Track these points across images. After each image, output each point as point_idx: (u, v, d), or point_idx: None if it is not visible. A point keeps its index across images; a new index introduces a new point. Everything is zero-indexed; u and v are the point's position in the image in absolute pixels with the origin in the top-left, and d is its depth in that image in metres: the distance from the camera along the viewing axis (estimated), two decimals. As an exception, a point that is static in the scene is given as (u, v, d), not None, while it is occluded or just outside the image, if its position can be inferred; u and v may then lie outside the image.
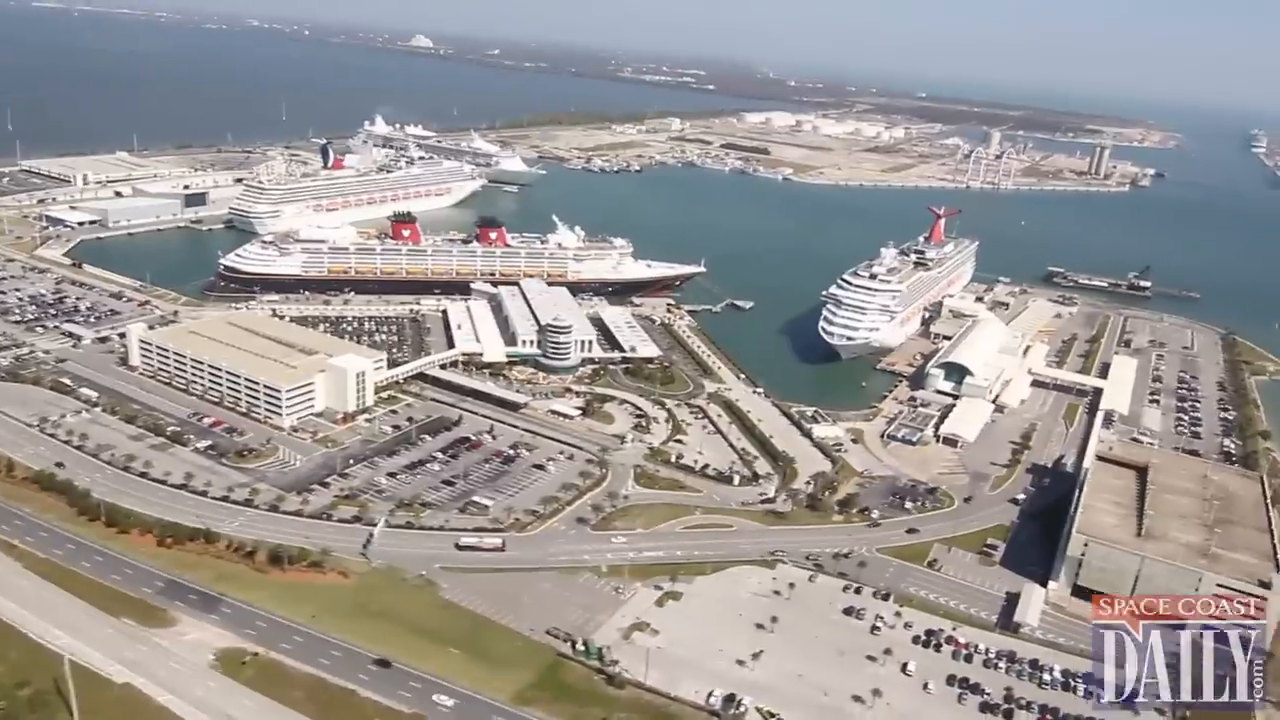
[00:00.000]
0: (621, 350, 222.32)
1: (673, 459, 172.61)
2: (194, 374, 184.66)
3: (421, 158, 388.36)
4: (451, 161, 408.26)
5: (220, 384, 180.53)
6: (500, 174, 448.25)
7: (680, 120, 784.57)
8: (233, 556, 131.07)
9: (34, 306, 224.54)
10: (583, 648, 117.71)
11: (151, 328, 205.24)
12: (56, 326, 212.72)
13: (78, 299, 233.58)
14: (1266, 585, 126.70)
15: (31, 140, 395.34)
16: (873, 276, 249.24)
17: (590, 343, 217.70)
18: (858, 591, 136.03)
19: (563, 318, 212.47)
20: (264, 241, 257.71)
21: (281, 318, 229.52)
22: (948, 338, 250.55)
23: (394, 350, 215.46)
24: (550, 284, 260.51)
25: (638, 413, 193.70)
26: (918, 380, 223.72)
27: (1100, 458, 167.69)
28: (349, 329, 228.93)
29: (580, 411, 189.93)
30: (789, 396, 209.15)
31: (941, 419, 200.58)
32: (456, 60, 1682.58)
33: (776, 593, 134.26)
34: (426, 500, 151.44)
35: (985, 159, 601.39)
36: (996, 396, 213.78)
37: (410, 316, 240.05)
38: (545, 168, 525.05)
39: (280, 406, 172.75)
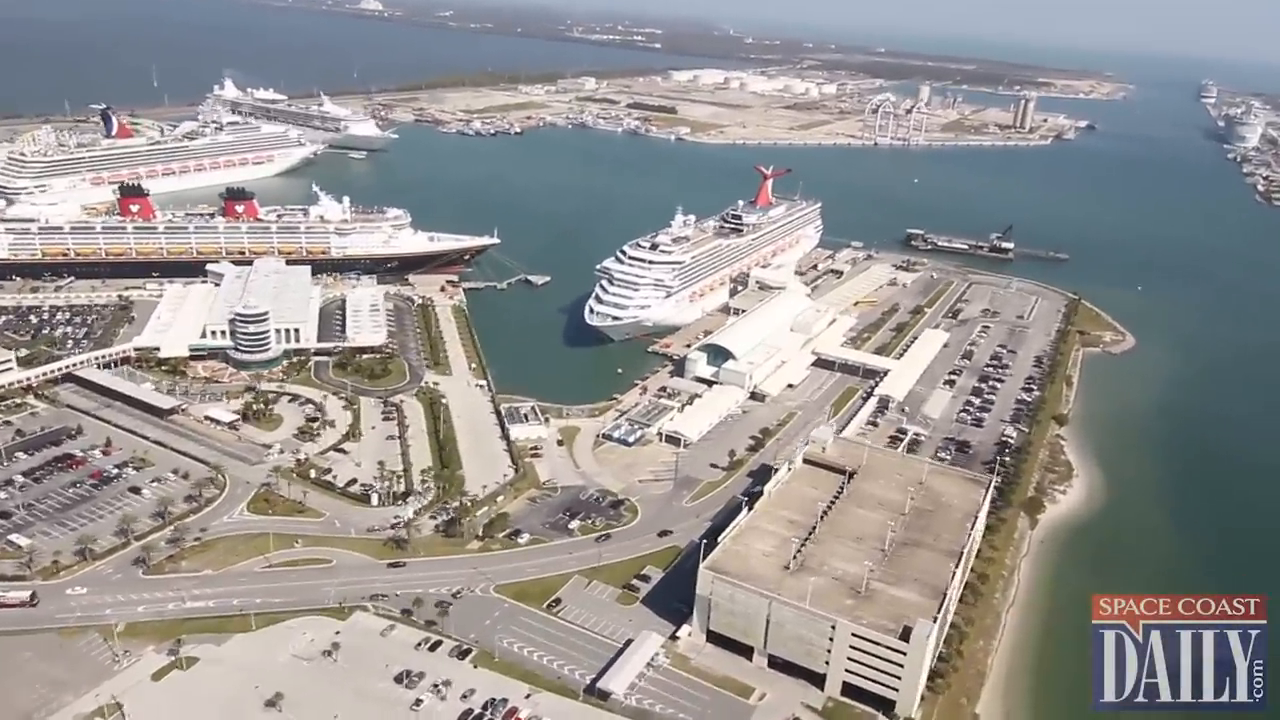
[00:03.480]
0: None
1: (313, 473, 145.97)
2: None
3: (233, 123, 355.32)
4: (274, 126, 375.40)
5: None
6: (349, 140, 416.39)
7: (596, 80, 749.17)
8: None
9: None
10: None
11: None
12: None
13: None
14: (905, 637, 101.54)
15: None
16: (653, 247, 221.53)
17: (296, 331, 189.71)
18: (433, 648, 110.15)
19: (254, 303, 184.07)
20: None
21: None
22: (743, 313, 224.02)
23: (71, 345, 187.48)
24: (310, 261, 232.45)
25: (315, 415, 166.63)
26: (682, 365, 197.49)
27: (807, 460, 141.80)
28: (34, 320, 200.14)
29: (239, 416, 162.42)
30: (530, 388, 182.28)
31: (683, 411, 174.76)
32: (402, 22, 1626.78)
33: (327, 653, 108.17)
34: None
35: (896, 114, 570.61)
36: (761, 383, 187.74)
37: (120, 304, 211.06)
38: (419, 131, 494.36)
39: None
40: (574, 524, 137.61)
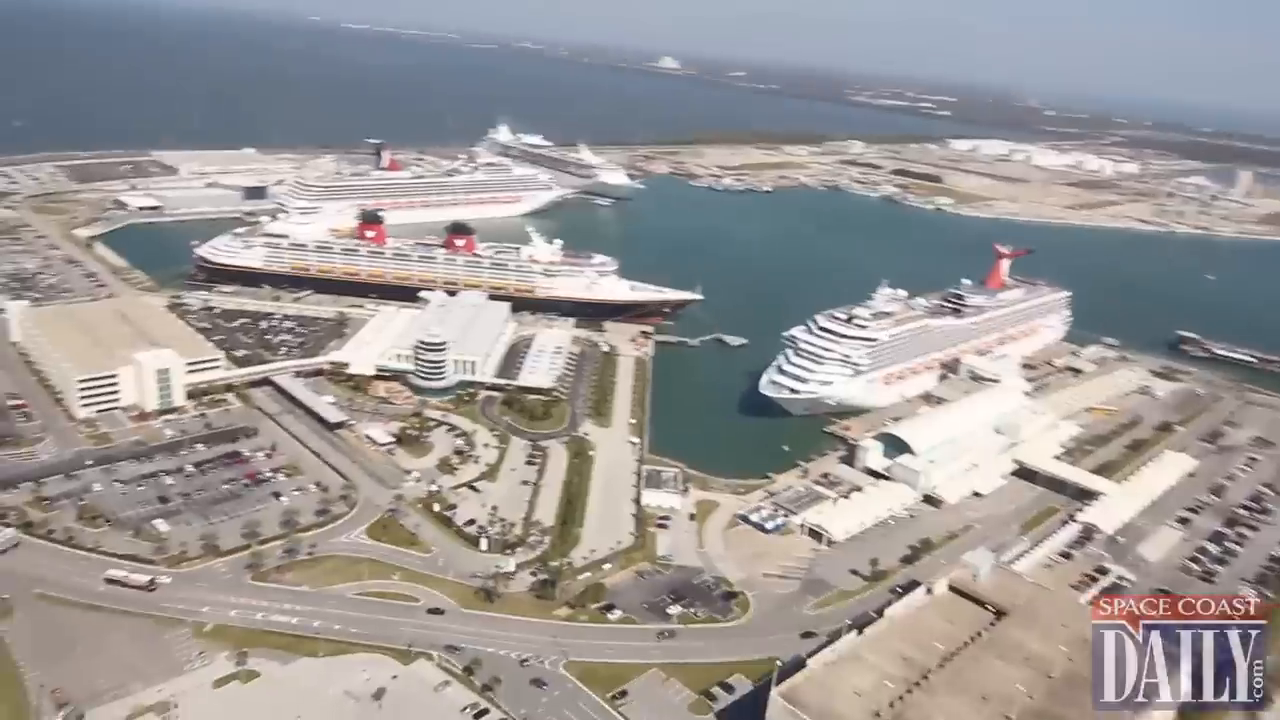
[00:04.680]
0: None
1: (438, 507, 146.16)
2: (38, 354, 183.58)
3: (489, 164, 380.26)
4: (526, 169, 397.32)
5: (51, 367, 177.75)
6: (598, 186, 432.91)
7: (865, 144, 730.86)
8: None
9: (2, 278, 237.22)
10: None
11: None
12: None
13: (46, 274, 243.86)
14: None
15: (192, 134, 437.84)
16: (848, 320, 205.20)
17: (473, 364, 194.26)
18: (478, 716, 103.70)
19: (437, 333, 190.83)
20: (234, 234, 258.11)
21: (211, 309, 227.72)
22: (944, 402, 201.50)
23: (284, 353, 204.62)
24: (515, 298, 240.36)
25: (463, 448, 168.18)
26: (854, 452, 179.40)
27: (952, 588, 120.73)
28: (264, 326, 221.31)
29: (394, 440, 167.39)
30: (685, 453, 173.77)
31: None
32: (694, 81, 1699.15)
33: (375, 697, 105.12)
34: (116, 516, 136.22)
35: (1200, 199, 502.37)
36: (939, 485, 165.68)
37: (338, 320, 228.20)
38: (670, 183, 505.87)
39: (76, 395, 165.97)
40: (674, 609, 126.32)
